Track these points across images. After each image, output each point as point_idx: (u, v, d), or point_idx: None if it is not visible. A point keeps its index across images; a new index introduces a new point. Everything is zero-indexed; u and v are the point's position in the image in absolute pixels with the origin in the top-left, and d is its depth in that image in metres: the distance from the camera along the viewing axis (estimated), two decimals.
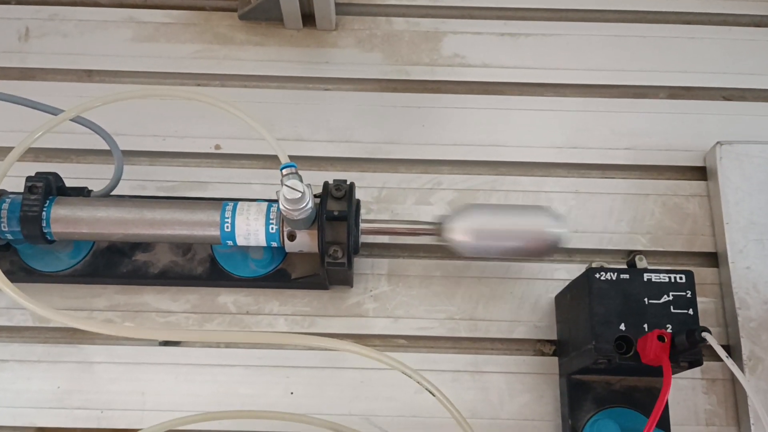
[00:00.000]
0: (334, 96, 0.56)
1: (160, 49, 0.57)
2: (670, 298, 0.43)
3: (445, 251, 0.52)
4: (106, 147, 0.50)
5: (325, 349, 0.49)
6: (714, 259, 0.52)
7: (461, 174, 0.54)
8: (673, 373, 0.44)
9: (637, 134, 0.56)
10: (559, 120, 0.56)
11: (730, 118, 0.56)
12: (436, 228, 0.47)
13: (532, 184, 0.54)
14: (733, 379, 0.49)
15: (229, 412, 0.46)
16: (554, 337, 0.50)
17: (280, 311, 0.51)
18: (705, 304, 0.51)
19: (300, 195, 0.41)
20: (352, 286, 0.51)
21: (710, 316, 0.51)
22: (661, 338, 0.40)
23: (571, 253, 0.52)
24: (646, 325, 0.42)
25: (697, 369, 0.49)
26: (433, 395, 0.41)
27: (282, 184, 0.42)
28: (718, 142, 0.53)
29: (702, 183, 0.54)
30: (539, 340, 0.51)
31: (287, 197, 0.41)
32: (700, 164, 0.55)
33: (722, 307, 0.51)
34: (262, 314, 0.51)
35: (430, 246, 0.52)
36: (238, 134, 0.55)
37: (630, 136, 0.55)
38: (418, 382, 0.41)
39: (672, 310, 0.43)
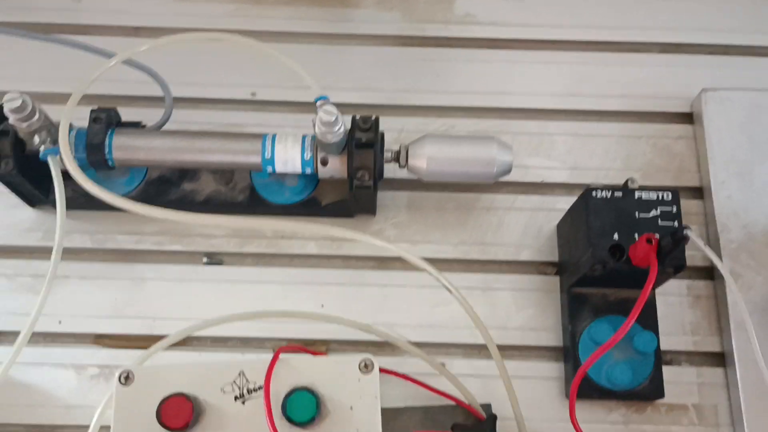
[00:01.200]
0: (356, 50, 0.63)
1: (199, 8, 0.64)
2: (658, 212, 0.49)
3: (458, 186, 0.58)
4: (153, 94, 0.57)
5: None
6: (699, 192, 0.58)
7: (472, 118, 0.61)
8: (659, 282, 0.51)
9: (630, 84, 0.62)
10: (560, 72, 0.62)
11: (714, 70, 0.62)
12: (394, 154, 0.52)
13: (537, 128, 0.60)
14: (716, 296, 0.55)
15: (270, 311, 0.52)
16: (556, 259, 0.56)
17: (311, 236, 0.57)
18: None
19: (335, 118, 0.47)
20: (375, 215, 0.57)
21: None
22: (649, 241, 0.46)
23: (570, 188, 0.58)
24: (636, 235, 0.48)
25: (684, 286, 0.56)
26: (450, 292, 0.47)
27: (317, 112, 0.48)
28: (703, 89, 0.59)
29: (689, 126, 0.60)
30: (542, 263, 0.56)
31: (323, 120, 0.47)
32: (687, 110, 0.61)
33: (707, 234, 0.57)
34: (295, 238, 0.57)
35: (446, 181, 0.58)
36: (272, 83, 0.61)
37: (624, 85, 0.62)
38: (436, 278, 0.47)
39: (659, 223, 0.48)
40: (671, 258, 0.46)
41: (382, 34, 0.63)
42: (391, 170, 0.58)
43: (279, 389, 0.44)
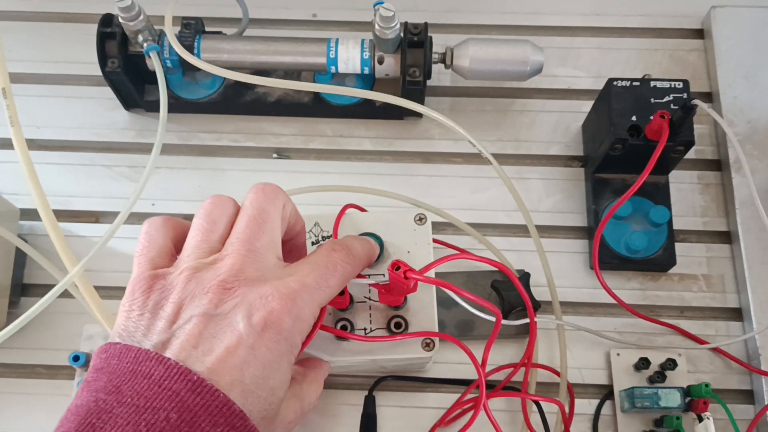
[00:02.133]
0: None
1: None
2: (671, 98, 0.56)
3: (494, 91, 0.66)
4: (227, 15, 0.66)
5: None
6: (709, 97, 0.66)
7: (508, 35, 0.68)
8: (673, 162, 0.58)
9: (648, 4, 0.69)
10: None
11: None
12: (441, 56, 0.60)
13: (564, 43, 0.68)
14: (723, 184, 0.63)
15: (327, 186, 0.60)
16: (581, 154, 0.64)
17: (366, 135, 0.65)
18: (701, 129, 0.64)
19: (392, 14, 0.55)
20: (421, 117, 0.65)
21: (706, 137, 0.64)
22: (662, 116, 0.53)
23: (594, 94, 0.65)
24: (651, 117, 0.56)
25: (695, 176, 0.63)
26: (492, 164, 0.55)
27: (376, 13, 0.56)
28: (712, 6, 0.66)
29: (700, 41, 0.68)
30: (569, 156, 0.64)
31: (383, 15, 0.55)
32: (698, 27, 0.68)
33: (716, 131, 0.64)
34: (352, 137, 0.65)
35: (481, 87, 0.66)
36: (330, 5, 0.69)
37: (642, 5, 0.69)
38: (474, 145, 0.54)
39: (672, 107, 0.56)
40: (682, 133, 0.54)
41: None
42: (436, 78, 0.67)
43: (347, 234, 0.52)
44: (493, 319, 0.50)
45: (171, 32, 0.56)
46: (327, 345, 0.48)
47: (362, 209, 0.56)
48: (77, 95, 0.66)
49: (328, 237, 0.52)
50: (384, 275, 0.51)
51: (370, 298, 0.50)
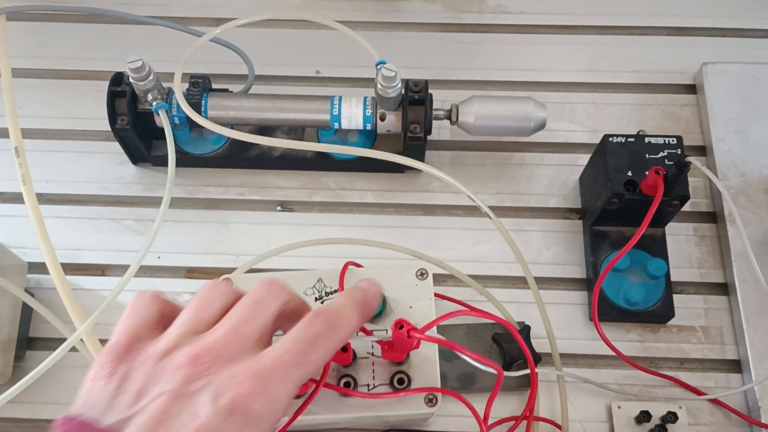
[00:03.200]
0: (406, 36, 0.73)
1: (272, 2, 0.74)
2: (665, 154, 0.58)
3: (493, 145, 0.68)
4: (235, 72, 0.68)
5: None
6: (702, 150, 0.67)
7: (504, 91, 0.70)
8: (668, 216, 0.60)
9: (642, 61, 0.71)
10: (580, 51, 0.72)
11: (713, 50, 0.71)
12: (447, 113, 0.62)
13: (560, 98, 0.70)
14: (719, 236, 0.64)
15: (331, 239, 0.61)
16: (579, 206, 0.65)
17: (369, 188, 0.67)
18: (696, 182, 0.66)
19: (394, 74, 0.57)
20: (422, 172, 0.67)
21: (700, 190, 0.66)
22: (657, 172, 0.55)
23: (590, 147, 0.66)
24: (647, 173, 0.57)
25: (690, 228, 0.64)
26: (490, 218, 0.56)
27: (378, 73, 0.58)
28: (704, 63, 0.69)
29: (692, 96, 0.70)
30: (567, 209, 0.66)
31: (385, 75, 0.57)
32: (690, 83, 0.70)
33: (709, 185, 0.66)
34: (355, 190, 0.66)
35: (481, 142, 0.68)
36: (333, 62, 0.72)
37: (636, 62, 0.71)
38: (473, 200, 0.56)
39: (666, 163, 0.58)
40: (676, 188, 0.55)
41: (427, 22, 0.74)
42: (437, 132, 0.68)
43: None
44: (495, 372, 0.50)
45: (179, 92, 0.58)
46: (331, 401, 0.49)
47: (360, 266, 0.58)
48: (86, 150, 0.68)
49: (332, 292, 0.53)
50: (387, 331, 0.51)
51: (373, 354, 0.50)
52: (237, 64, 0.66)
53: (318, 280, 0.54)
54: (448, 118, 0.62)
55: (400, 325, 0.43)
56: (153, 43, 0.71)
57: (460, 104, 0.62)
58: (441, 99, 0.70)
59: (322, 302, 0.53)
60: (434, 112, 0.63)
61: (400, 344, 0.44)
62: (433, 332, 0.46)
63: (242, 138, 0.56)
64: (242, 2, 0.75)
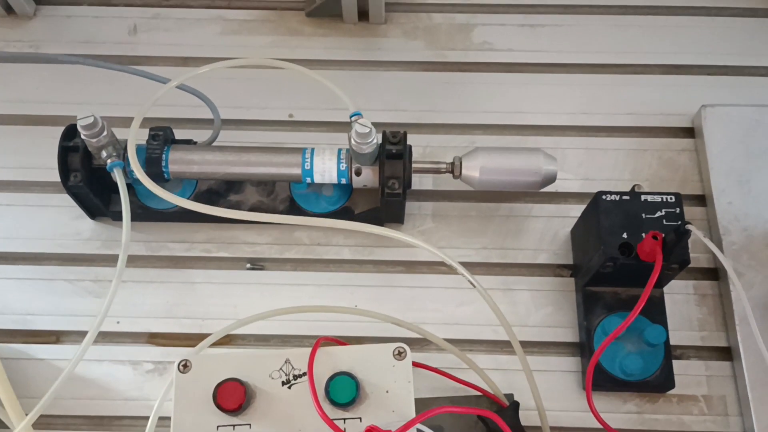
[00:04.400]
0: (385, 75, 0.69)
1: (243, 41, 0.70)
2: (663, 213, 0.53)
3: (478, 196, 0.63)
4: (201, 116, 0.63)
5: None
6: (702, 200, 0.63)
7: (491, 135, 0.66)
8: (667, 279, 0.56)
9: (636, 103, 0.67)
10: (572, 92, 0.68)
11: (712, 89, 0.67)
12: (449, 166, 0.58)
13: (551, 143, 0.65)
14: (720, 294, 0.59)
15: (308, 306, 0.56)
16: (570, 262, 0.61)
17: (345, 243, 0.62)
18: (696, 236, 0.61)
19: (369, 130, 0.53)
20: (402, 223, 0.62)
21: (700, 245, 0.60)
22: (654, 237, 0.50)
23: (582, 197, 0.63)
24: (643, 234, 0.53)
25: (690, 286, 0.60)
26: (474, 286, 0.52)
27: (352, 126, 0.54)
28: (703, 106, 0.64)
29: (690, 140, 0.65)
30: (558, 265, 0.61)
31: (359, 132, 0.53)
32: (688, 125, 0.66)
33: (710, 238, 0.61)
34: (331, 245, 0.62)
35: (465, 192, 0.63)
36: (307, 105, 0.67)
37: (630, 104, 0.67)
38: (460, 272, 0.51)
39: (664, 223, 0.53)
40: (676, 253, 0.51)
41: (408, 61, 0.69)
42: (418, 181, 0.64)
43: (321, 374, 0.48)
44: None
45: (133, 155, 0.53)
46: None
47: (337, 341, 0.53)
48: (40, 203, 0.63)
49: (300, 375, 0.48)
50: (360, 420, 0.47)
51: None
52: (203, 108, 0.61)
53: (285, 362, 0.49)
54: (450, 171, 0.58)
55: None
56: (114, 85, 0.67)
57: (463, 157, 0.58)
58: (422, 145, 0.66)
59: (289, 387, 0.48)
60: (435, 166, 0.59)
61: None
62: None
63: (196, 209, 0.51)
64: (211, 40, 0.70)
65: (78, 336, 0.59)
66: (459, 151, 0.65)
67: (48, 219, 0.63)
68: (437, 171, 0.59)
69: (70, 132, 0.57)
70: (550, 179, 0.58)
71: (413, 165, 0.59)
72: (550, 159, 0.57)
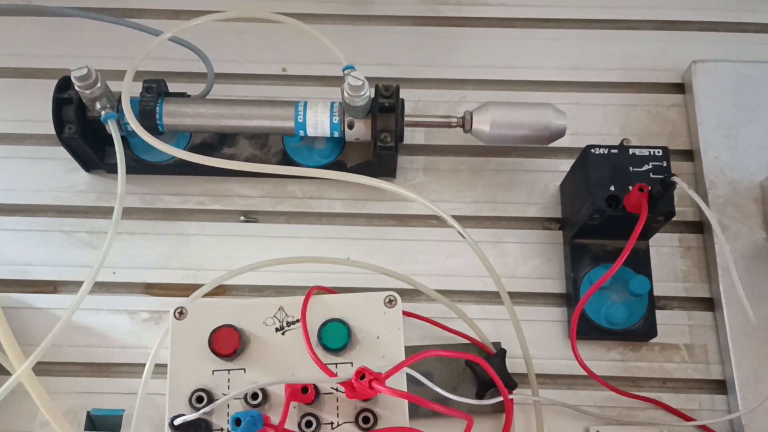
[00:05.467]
0: (378, 30, 0.69)
1: None
2: (650, 166, 0.54)
3: (469, 150, 0.64)
4: (194, 70, 0.63)
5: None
6: (690, 154, 0.64)
7: (483, 90, 0.66)
8: (653, 230, 0.57)
9: (627, 58, 0.67)
10: (563, 47, 0.68)
11: (703, 45, 0.68)
12: (459, 120, 0.58)
13: (542, 98, 0.65)
14: (705, 247, 0.61)
15: (301, 257, 0.58)
16: (559, 215, 0.62)
17: (338, 197, 0.63)
18: (682, 190, 0.62)
19: (361, 83, 0.53)
20: (395, 177, 0.63)
21: (687, 199, 0.62)
22: (641, 189, 0.51)
23: (572, 152, 0.63)
24: (630, 187, 0.54)
25: (676, 239, 0.61)
26: (464, 237, 0.53)
27: (345, 79, 0.54)
28: (693, 61, 0.65)
29: (680, 96, 0.66)
30: (547, 218, 0.62)
31: (351, 84, 0.53)
32: (678, 81, 0.66)
33: (696, 191, 0.62)
34: (323, 199, 0.63)
35: (457, 146, 0.64)
36: (300, 59, 0.67)
37: (622, 59, 0.67)
38: (451, 224, 0.52)
39: (651, 176, 0.54)
40: (661, 205, 0.52)
41: (401, 15, 0.69)
42: (409, 136, 0.64)
43: (314, 321, 0.50)
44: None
45: (128, 106, 0.53)
46: None
47: (329, 291, 0.54)
48: (35, 156, 0.64)
49: (294, 322, 0.50)
50: (352, 364, 0.48)
51: (337, 389, 0.47)
52: (196, 62, 0.61)
53: (279, 309, 0.50)
54: (461, 125, 0.58)
55: (361, 374, 0.40)
56: (107, 38, 0.67)
57: (474, 111, 0.58)
58: (414, 99, 0.66)
59: (283, 333, 0.50)
60: (446, 120, 0.59)
61: (363, 393, 0.41)
62: (399, 376, 0.43)
63: (191, 159, 0.52)
64: None
65: (75, 286, 0.60)
66: (451, 106, 0.66)
67: (43, 171, 0.63)
68: (448, 125, 0.59)
69: (64, 84, 0.57)
70: (560, 134, 0.58)
71: (425, 119, 0.59)
72: (559, 114, 0.58)
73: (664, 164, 0.54)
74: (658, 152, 0.55)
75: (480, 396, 0.54)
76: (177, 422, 0.43)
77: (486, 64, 0.67)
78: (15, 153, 0.64)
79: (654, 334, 0.57)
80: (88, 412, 0.53)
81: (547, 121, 0.57)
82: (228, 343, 0.48)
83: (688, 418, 0.55)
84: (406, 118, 0.59)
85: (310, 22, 0.68)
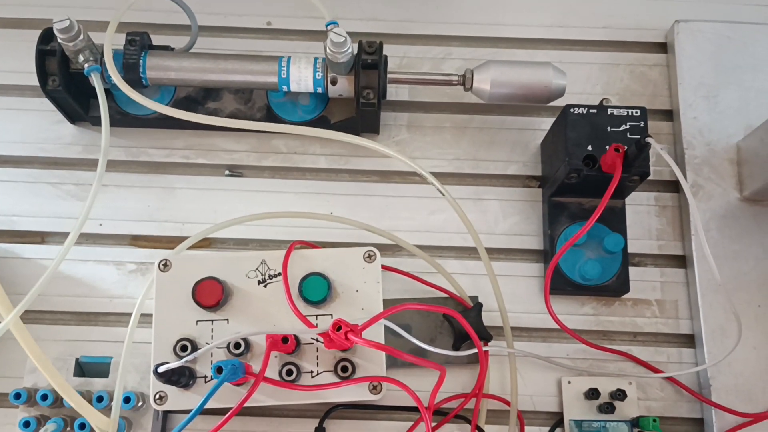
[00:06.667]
0: None
1: None
2: (627, 127, 0.55)
3: (453, 107, 0.65)
4: (177, 22, 0.63)
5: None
6: (670, 114, 0.65)
7: (467, 47, 0.67)
8: (628, 190, 0.58)
9: (611, 16, 0.67)
10: (548, 4, 0.68)
11: (688, 4, 0.68)
12: (460, 78, 0.59)
13: (526, 56, 0.66)
14: (680, 206, 0.62)
15: (284, 212, 0.59)
16: (539, 173, 0.63)
17: (322, 152, 0.63)
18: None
19: (344, 39, 0.53)
20: (378, 134, 0.64)
21: (663, 159, 0.63)
22: (617, 150, 0.52)
23: (554, 110, 0.64)
24: (607, 147, 0.54)
25: (652, 198, 0.62)
26: (443, 195, 0.54)
27: (328, 35, 0.54)
28: (676, 21, 0.65)
29: (663, 56, 0.66)
30: (527, 176, 0.63)
31: (334, 41, 0.53)
32: (662, 41, 0.67)
33: (674, 151, 0.63)
34: (307, 154, 0.63)
35: (441, 103, 0.65)
36: (285, 13, 0.67)
37: (606, 17, 0.67)
38: (431, 182, 0.53)
39: (628, 136, 0.55)
40: (636, 165, 0.53)
41: None
42: (393, 92, 0.65)
43: (295, 275, 0.51)
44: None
45: (110, 59, 0.54)
46: (273, 390, 0.47)
47: (311, 245, 0.55)
48: (19, 107, 0.64)
49: (276, 275, 0.51)
50: (332, 316, 0.50)
51: (317, 340, 0.49)
52: (180, 14, 0.61)
53: (261, 262, 0.52)
54: (462, 84, 0.59)
55: (337, 326, 0.41)
56: None
57: (475, 69, 0.58)
58: (399, 56, 0.66)
59: (265, 286, 0.51)
60: (446, 78, 0.59)
61: (340, 344, 0.43)
62: (377, 328, 0.44)
63: (173, 114, 0.52)
64: None
65: (62, 237, 0.61)
66: (436, 62, 0.66)
67: (29, 123, 0.63)
68: (449, 83, 0.59)
69: (47, 36, 0.57)
70: (559, 93, 0.59)
71: (425, 77, 0.60)
72: (559, 73, 0.58)
73: (642, 125, 0.55)
74: (636, 112, 0.55)
75: (456, 348, 0.56)
76: (161, 369, 0.45)
77: (471, 20, 0.67)
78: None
79: (626, 290, 0.59)
80: (76, 359, 0.55)
81: (547, 80, 0.58)
82: (211, 295, 0.50)
83: (656, 370, 0.58)
84: (406, 76, 0.59)
85: None
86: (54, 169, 0.63)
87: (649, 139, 0.50)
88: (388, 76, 0.59)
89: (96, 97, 0.61)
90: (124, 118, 0.62)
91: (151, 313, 0.51)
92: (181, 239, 0.59)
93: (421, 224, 0.62)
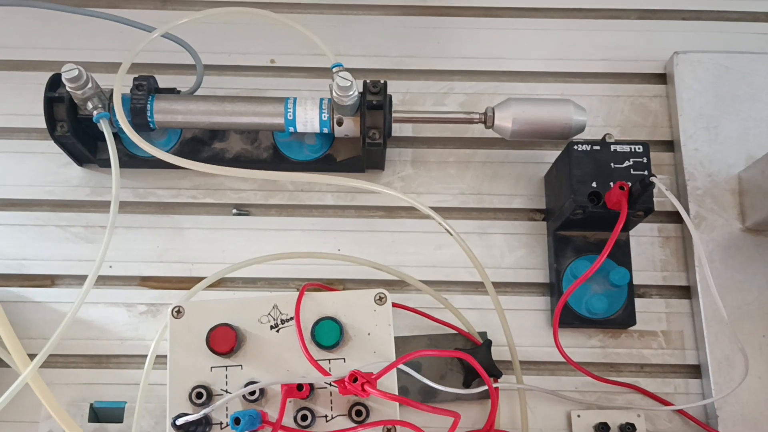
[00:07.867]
0: (364, 19, 0.69)
1: None
2: (631, 163, 0.56)
3: (456, 142, 0.65)
4: (183, 62, 0.64)
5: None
6: (671, 145, 0.66)
7: (469, 81, 0.67)
8: (633, 224, 0.59)
9: (611, 48, 0.68)
10: (548, 37, 0.69)
11: (686, 35, 0.69)
12: (482, 116, 0.59)
13: (527, 89, 0.67)
14: (683, 237, 0.63)
15: (294, 253, 0.59)
16: (543, 206, 0.64)
17: (328, 189, 0.64)
18: (662, 180, 0.64)
19: (350, 83, 0.54)
20: (383, 170, 0.64)
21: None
22: (621, 188, 0.53)
23: (557, 143, 0.65)
24: (612, 183, 0.55)
25: (655, 229, 0.63)
26: (450, 234, 0.54)
27: (333, 78, 0.55)
28: (675, 52, 0.66)
29: (662, 86, 0.67)
30: (531, 209, 0.64)
31: (340, 85, 0.54)
32: (661, 71, 0.68)
33: (676, 182, 0.64)
34: (314, 191, 0.64)
35: (445, 138, 0.66)
36: (289, 50, 0.67)
37: (605, 49, 0.68)
38: (440, 223, 0.54)
39: (632, 172, 0.56)
40: (641, 202, 0.54)
41: (388, 4, 0.70)
42: (398, 129, 0.66)
43: (307, 318, 0.52)
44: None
45: (119, 108, 0.54)
46: None
47: (321, 286, 0.56)
48: (26, 150, 0.64)
49: (288, 320, 0.52)
50: (345, 360, 0.51)
51: (331, 384, 0.50)
52: (185, 53, 0.62)
53: (273, 307, 0.52)
54: (483, 122, 0.59)
55: (354, 377, 0.42)
56: (96, 30, 0.67)
57: (496, 107, 0.59)
58: (402, 91, 0.67)
59: (278, 331, 0.52)
60: (468, 116, 0.60)
61: (356, 393, 0.44)
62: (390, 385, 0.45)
63: (177, 162, 0.53)
64: None
65: (72, 279, 0.61)
66: (438, 97, 0.67)
67: (36, 166, 0.64)
68: (470, 121, 0.60)
69: (55, 82, 0.57)
70: (579, 129, 0.59)
71: (446, 116, 0.61)
72: (579, 110, 0.59)
73: (644, 161, 0.56)
74: (639, 148, 0.56)
75: (467, 384, 0.56)
76: (179, 422, 0.46)
77: (472, 54, 0.68)
78: (5, 147, 0.64)
79: (633, 322, 0.59)
80: (90, 405, 0.55)
81: (567, 117, 0.58)
82: (225, 342, 0.50)
83: (664, 402, 0.58)
84: (427, 115, 0.61)
85: (297, 11, 0.69)
86: (62, 211, 0.63)
87: (653, 179, 0.51)
88: (411, 115, 0.61)
89: (103, 140, 0.61)
90: (132, 159, 0.62)
91: (163, 354, 0.52)
92: (191, 279, 0.60)
93: (428, 259, 0.62)
